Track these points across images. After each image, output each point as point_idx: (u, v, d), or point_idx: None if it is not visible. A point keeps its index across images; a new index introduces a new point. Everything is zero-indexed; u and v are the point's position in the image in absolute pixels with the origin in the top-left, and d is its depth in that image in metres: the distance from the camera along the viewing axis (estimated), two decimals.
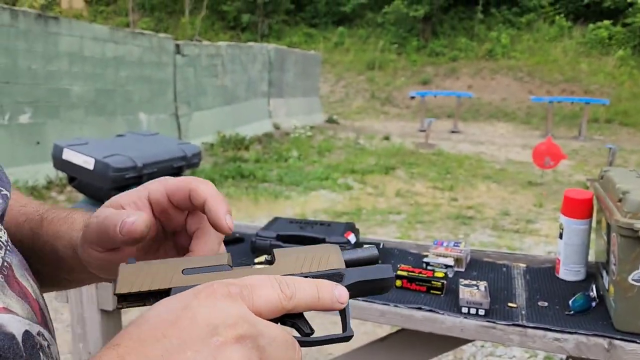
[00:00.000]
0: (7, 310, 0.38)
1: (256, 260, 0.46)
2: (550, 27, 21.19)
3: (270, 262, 0.42)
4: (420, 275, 1.26)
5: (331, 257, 0.42)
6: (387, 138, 12.69)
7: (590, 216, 1.30)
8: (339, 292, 0.39)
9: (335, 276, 0.41)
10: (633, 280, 1.02)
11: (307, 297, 0.38)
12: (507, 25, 21.60)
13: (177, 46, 9.85)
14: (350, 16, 23.53)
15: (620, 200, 1.04)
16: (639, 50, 18.98)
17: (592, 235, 1.34)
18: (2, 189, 0.46)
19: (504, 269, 1.41)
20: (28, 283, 0.43)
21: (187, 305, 0.34)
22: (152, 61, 9.06)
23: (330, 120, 16.36)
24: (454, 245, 1.45)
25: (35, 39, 6.68)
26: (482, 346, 3.12)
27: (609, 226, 1.16)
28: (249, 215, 6.07)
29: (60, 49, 7.09)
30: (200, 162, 1.67)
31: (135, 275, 0.39)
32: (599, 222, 1.31)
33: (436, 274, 1.27)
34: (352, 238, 1.39)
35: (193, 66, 10.37)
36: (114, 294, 0.39)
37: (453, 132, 14.27)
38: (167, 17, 23.40)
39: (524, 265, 1.43)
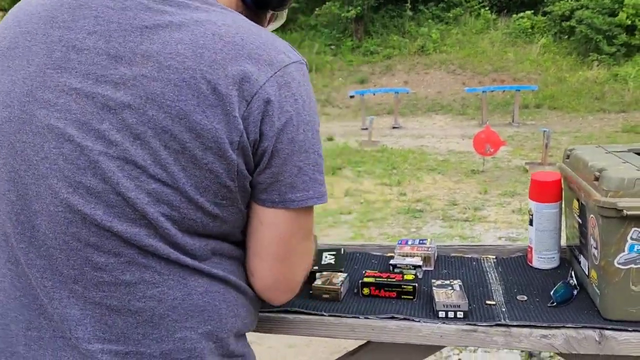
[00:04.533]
0: None
1: None
2: (476, 20, 21.84)
3: None
4: (389, 280, 1.15)
5: None
6: (330, 139, 12.65)
7: (560, 198, 1.23)
8: None
9: None
10: (619, 264, 0.94)
11: None
12: (436, 20, 22.11)
13: None
14: None
15: (597, 179, 0.96)
16: (559, 37, 19.86)
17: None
18: None
19: (474, 263, 1.32)
20: None
21: None
22: None
23: None
24: (420, 243, 1.34)
25: None
26: None
27: (583, 207, 1.08)
28: None
29: None
30: None
31: None
32: (568, 203, 1.24)
33: (406, 277, 1.16)
34: None
35: None
36: None
37: (394, 127, 14.42)
38: None
39: (494, 257, 1.35)
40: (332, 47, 22.23)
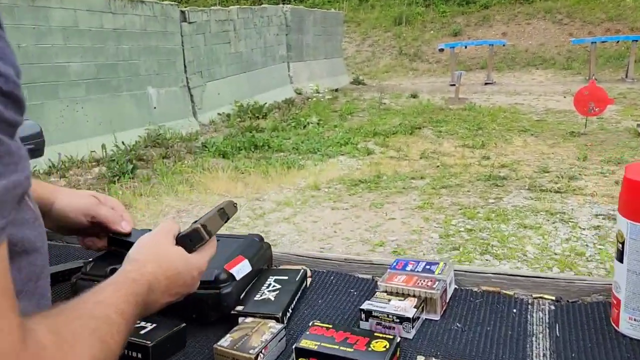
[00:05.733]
0: None
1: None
2: None
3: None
4: (343, 348, 0.66)
5: None
6: (414, 96, 11.86)
7: None
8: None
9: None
10: None
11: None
12: None
13: (183, 13, 9.22)
14: None
15: None
16: None
17: None
18: None
19: (514, 311, 0.78)
20: None
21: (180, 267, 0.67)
22: (157, 31, 8.48)
23: (356, 82, 15.55)
24: (425, 270, 0.83)
25: (22, 14, 6.19)
26: None
27: None
28: (257, 189, 5.52)
29: (52, 24, 6.59)
30: (42, 148, 1.09)
31: None
32: None
33: (373, 346, 0.66)
34: (241, 268, 0.80)
35: (202, 33, 9.75)
36: None
37: (486, 83, 13.29)
38: None
39: (552, 298, 0.80)
40: None
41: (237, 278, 0.78)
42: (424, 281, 0.79)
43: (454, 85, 11.48)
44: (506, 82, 13.74)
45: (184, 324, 0.73)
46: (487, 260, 3.44)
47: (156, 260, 0.64)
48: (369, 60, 19.71)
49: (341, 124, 8.92)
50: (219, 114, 9.74)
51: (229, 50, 10.53)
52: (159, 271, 0.63)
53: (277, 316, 0.75)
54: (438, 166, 6.04)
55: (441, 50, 14.20)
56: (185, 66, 9.19)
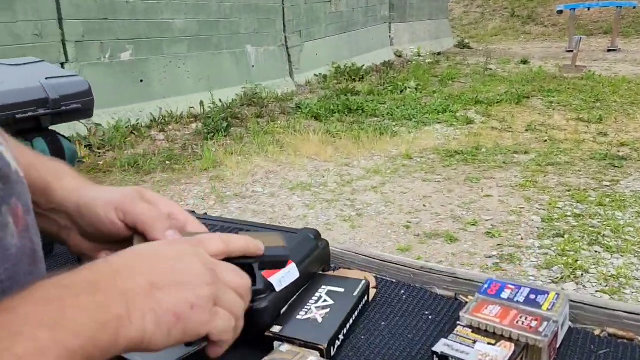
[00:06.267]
0: None
1: None
2: None
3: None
4: None
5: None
6: (525, 62, 10.99)
7: None
8: (255, 244, 0.53)
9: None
10: None
11: (238, 245, 0.51)
12: None
13: None
14: None
15: None
16: None
17: None
18: None
19: None
20: None
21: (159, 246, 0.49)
22: None
23: (461, 45, 14.74)
24: (528, 301, 0.61)
25: None
26: None
27: None
28: (347, 154, 5.36)
29: None
30: (91, 107, 0.98)
31: None
32: None
33: None
34: (284, 276, 0.62)
35: None
36: None
37: (610, 50, 12.02)
38: None
39: None
40: None
41: (277, 289, 0.62)
42: (527, 319, 0.57)
43: (571, 51, 10.48)
44: (633, 50, 12.35)
45: (205, 343, 0.58)
46: (596, 252, 3.05)
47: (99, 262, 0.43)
48: (477, 22, 18.61)
49: (441, 89, 8.46)
50: (315, 75, 9.61)
51: (329, 10, 10.27)
52: (101, 266, 0.42)
53: (322, 347, 0.57)
54: (546, 140, 5.53)
55: (559, 12, 12.98)
56: (284, 25, 9.09)
